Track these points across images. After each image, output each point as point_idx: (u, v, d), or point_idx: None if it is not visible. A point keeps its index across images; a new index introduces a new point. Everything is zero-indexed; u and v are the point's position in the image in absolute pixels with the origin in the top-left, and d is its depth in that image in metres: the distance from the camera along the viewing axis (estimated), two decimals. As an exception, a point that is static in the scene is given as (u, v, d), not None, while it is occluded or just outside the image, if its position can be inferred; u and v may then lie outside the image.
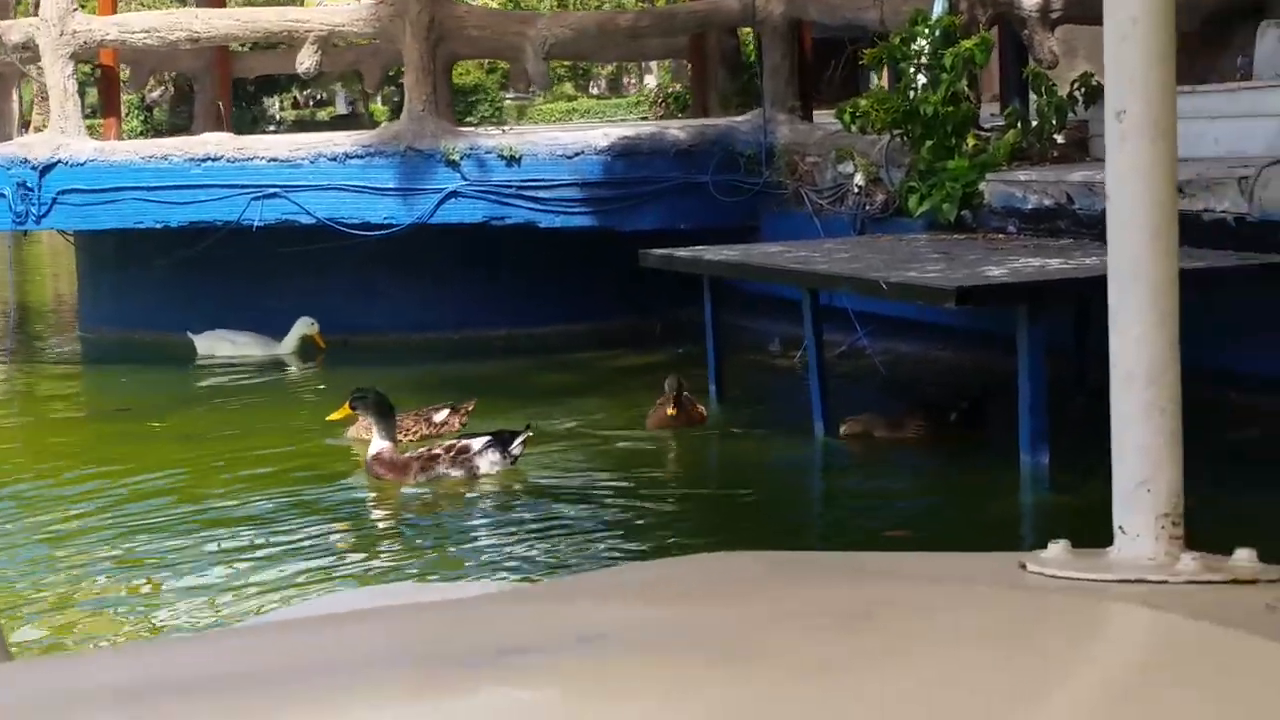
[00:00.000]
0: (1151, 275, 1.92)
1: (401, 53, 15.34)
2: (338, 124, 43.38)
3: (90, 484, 9.99)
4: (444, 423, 10.77)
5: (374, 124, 41.99)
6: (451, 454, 9.64)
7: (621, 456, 10.12)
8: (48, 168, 13.43)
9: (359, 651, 1.60)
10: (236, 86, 36.84)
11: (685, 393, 10.59)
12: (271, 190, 13.17)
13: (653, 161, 13.20)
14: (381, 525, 9.14)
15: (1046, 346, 8.84)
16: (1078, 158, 11.74)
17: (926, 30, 11.65)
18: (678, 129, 13.30)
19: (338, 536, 8.62)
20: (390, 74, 42.58)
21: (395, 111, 44.33)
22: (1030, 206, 10.95)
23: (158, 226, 13.39)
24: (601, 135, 13.18)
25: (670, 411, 10.45)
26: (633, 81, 55.23)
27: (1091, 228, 10.46)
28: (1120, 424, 1.95)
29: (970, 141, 11.56)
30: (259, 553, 8.27)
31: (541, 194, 13.12)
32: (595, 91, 51.92)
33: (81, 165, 13.41)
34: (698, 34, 17.54)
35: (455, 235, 13.41)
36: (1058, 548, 1.87)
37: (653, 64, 56.54)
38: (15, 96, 16.08)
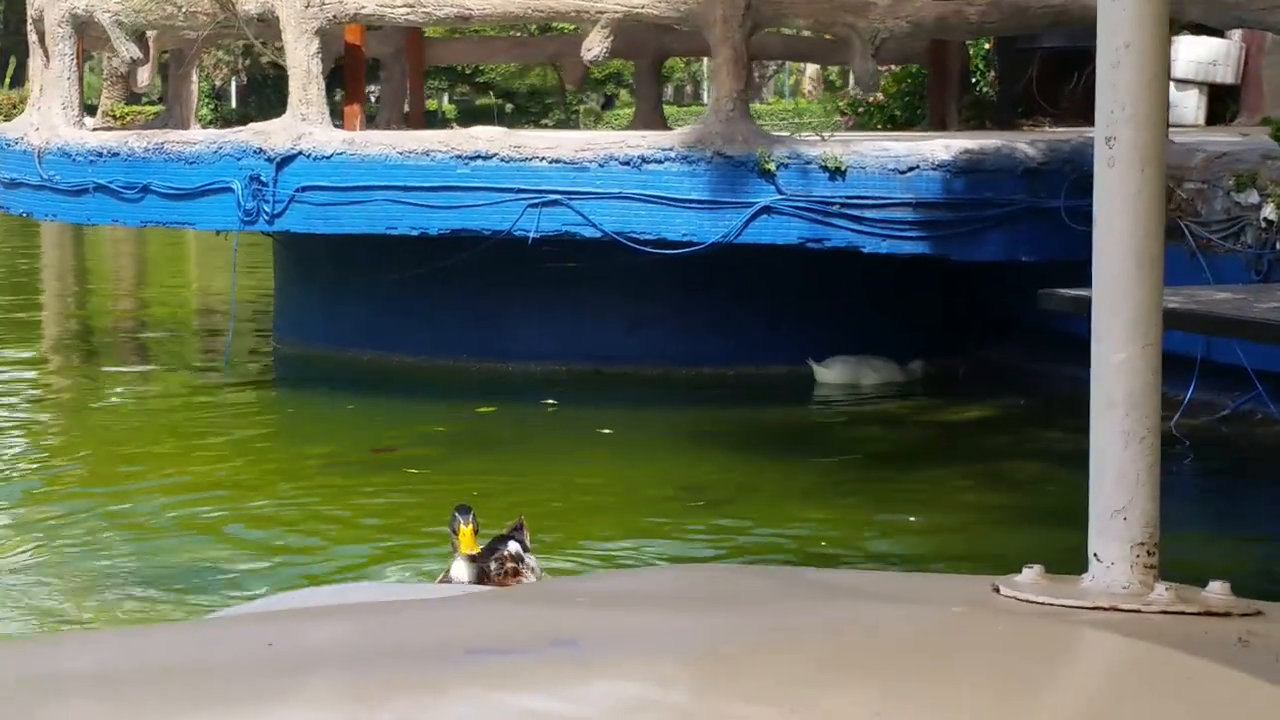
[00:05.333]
0: (1137, 302, 1.96)
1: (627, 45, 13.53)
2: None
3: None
4: None
5: (446, 124, 40.29)
6: (513, 562, 7.02)
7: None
8: (286, 160, 11.48)
9: (328, 646, 1.58)
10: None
11: None
12: (552, 197, 11.23)
13: (997, 181, 11.30)
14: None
15: None
16: None
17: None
18: (1026, 144, 11.40)
19: None
20: (466, 71, 40.65)
21: (463, 111, 42.44)
22: None
23: (414, 234, 11.46)
24: (941, 147, 11.28)
25: None
26: (693, 90, 53.35)
27: None
28: (1098, 450, 1.96)
29: None
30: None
31: (868, 213, 11.21)
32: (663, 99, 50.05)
33: (327, 158, 11.46)
34: (939, 41, 15.68)
35: (726, 255, 11.45)
36: (1032, 572, 1.88)
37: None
38: (195, 78, 14.13)
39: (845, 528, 8.79)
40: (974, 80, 17.72)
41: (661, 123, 16.00)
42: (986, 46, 17.85)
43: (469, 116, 40.26)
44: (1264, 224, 10.52)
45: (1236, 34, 17.14)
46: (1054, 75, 16.74)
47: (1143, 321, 1.95)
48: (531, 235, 11.25)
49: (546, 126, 36.85)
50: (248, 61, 35.02)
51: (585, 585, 2.34)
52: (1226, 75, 17.17)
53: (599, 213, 11.22)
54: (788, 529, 8.73)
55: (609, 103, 43.54)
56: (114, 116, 33.37)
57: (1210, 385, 10.77)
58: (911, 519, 8.89)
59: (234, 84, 39.28)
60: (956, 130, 14.55)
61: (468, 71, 39.92)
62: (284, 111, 11.70)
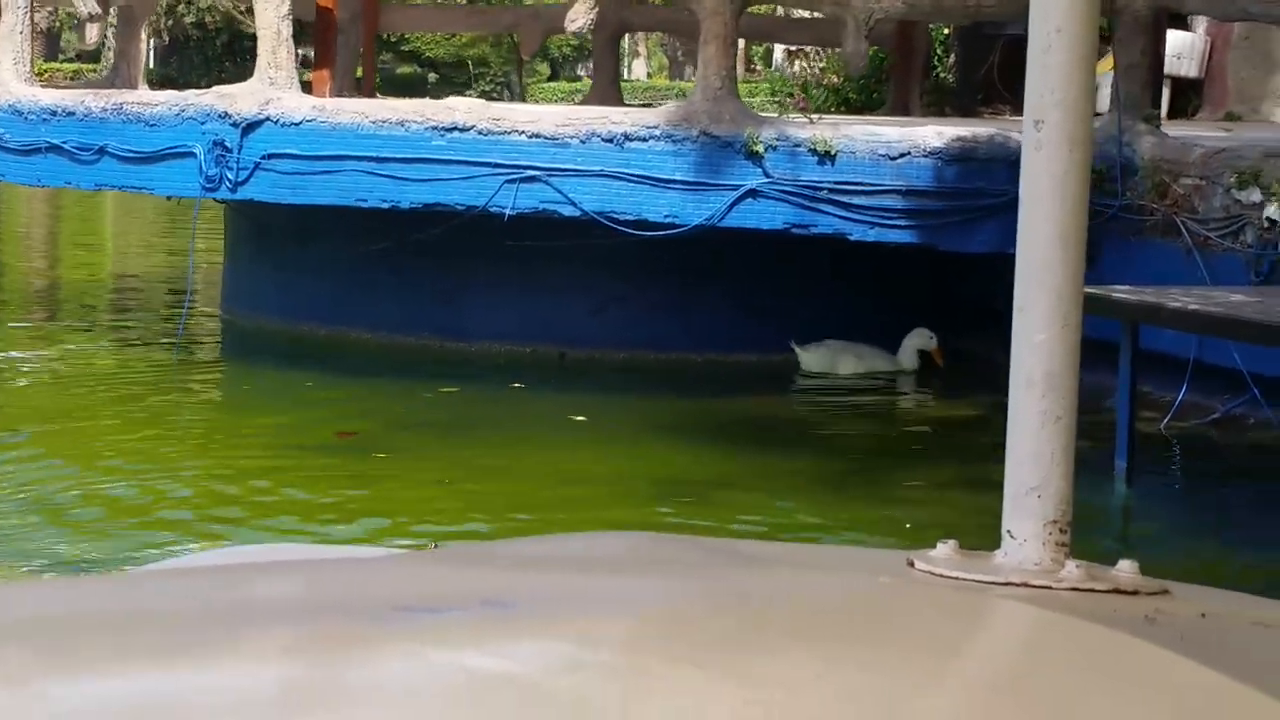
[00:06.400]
0: (1059, 282, 1.96)
1: (585, 17, 13.06)
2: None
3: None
4: None
5: (381, 94, 39.59)
6: None
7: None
8: (252, 125, 10.97)
9: (258, 601, 1.58)
10: (237, 48, 33.97)
11: None
12: (530, 173, 10.80)
13: (989, 170, 10.98)
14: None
15: None
16: None
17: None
18: (1020, 134, 11.05)
19: None
20: (390, 39, 39.98)
21: (385, 80, 41.76)
22: None
23: (385, 206, 10.98)
24: (934, 134, 10.95)
25: None
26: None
27: None
28: (1015, 429, 1.98)
29: None
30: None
31: (856, 200, 10.85)
32: (584, 74, 49.56)
33: (296, 125, 10.96)
34: (906, 23, 15.36)
35: (698, 237, 11.02)
36: (946, 547, 1.90)
37: (641, 50, 54.33)
38: (144, 37, 13.58)
39: (834, 525, 8.48)
40: (933, 66, 17.44)
41: (618, 98, 15.58)
42: (946, 31, 17.56)
43: (391, 85, 39.57)
44: (1266, 224, 10.25)
45: (1201, 27, 16.92)
46: (1016, 62, 16.40)
47: (1064, 302, 1.95)
48: (508, 212, 10.82)
49: (470, 96, 36.28)
50: (170, 21, 34.22)
51: (515, 548, 2.32)
52: (1190, 69, 16.95)
53: (579, 191, 10.80)
54: (771, 525, 8.39)
55: (554, 74, 43.05)
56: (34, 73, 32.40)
57: (1200, 388, 10.51)
58: (908, 526, 8.56)
59: (153, 44, 38.43)
60: (919, 116, 14.24)
61: (392, 39, 39.22)
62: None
